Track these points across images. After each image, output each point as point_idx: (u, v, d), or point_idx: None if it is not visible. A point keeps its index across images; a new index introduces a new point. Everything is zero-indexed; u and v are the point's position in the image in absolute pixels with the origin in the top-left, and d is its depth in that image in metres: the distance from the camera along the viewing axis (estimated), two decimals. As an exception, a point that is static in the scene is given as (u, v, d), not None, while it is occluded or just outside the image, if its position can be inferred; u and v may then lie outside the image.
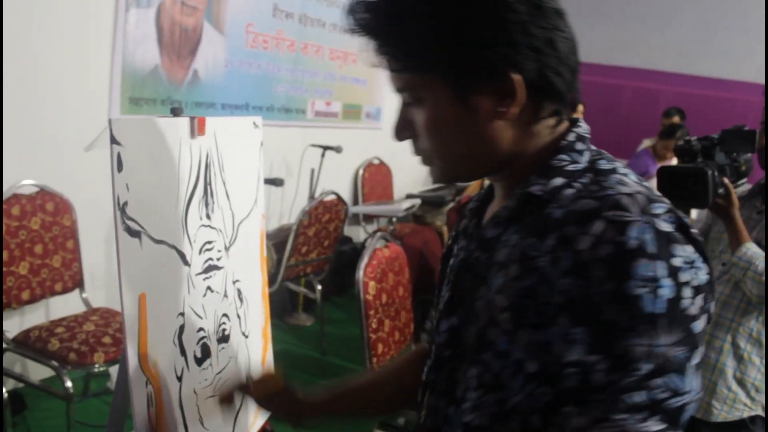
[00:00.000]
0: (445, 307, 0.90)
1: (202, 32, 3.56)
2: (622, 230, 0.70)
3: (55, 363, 2.44)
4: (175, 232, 1.16)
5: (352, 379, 1.22)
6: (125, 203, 1.01)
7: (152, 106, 3.32)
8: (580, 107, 5.76)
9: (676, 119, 5.78)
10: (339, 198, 3.71)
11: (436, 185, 6.32)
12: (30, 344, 2.49)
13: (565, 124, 0.86)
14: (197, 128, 1.20)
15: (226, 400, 1.21)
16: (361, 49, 0.83)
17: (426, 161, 0.88)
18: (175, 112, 1.18)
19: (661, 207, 0.74)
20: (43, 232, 2.69)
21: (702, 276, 0.72)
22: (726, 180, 1.83)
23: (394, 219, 4.85)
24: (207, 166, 1.26)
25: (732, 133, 1.85)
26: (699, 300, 0.71)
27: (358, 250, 4.67)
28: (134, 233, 1.04)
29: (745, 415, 1.93)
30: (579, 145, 0.84)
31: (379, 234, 2.70)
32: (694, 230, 0.75)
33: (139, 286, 1.06)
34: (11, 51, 2.65)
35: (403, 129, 0.87)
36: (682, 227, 0.74)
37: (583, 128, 0.87)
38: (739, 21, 6.81)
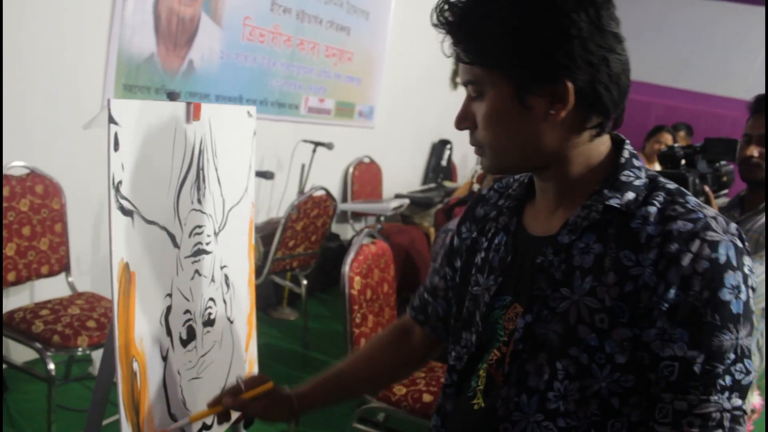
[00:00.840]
0: (526, 306, 0.99)
1: (199, 23, 3.58)
2: (715, 248, 0.87)
3: (38, 345, 2.44)
4: (166, 214, 1.18)
5: (334, 366, 1.26)
6: (120, 182, 1.03)
7: (146, 94, 3.33)
8: None
9: (682, 134, 5.84)
10: (328, 194, 3.73)
11: (425, 186, 6.36)
12: (14, 325, 2.49)
13: (607, 138, 0.98)
14: (193, 113, 1.23)
15: (215, 404, 1.17)
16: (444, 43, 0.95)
17: (479, 151, 0.99)
18: (172, 97, 1.21)
19: (733, 226, 0.91)
20: (31, 214, 2.70)
21: (755, 278, 0.91)
22: (707, 188, 1.88)
23: (382, 218, 4.87)
24: (200, 151, 1.28)
25: (714, 142, 1.92)
26: (753, 297, 0.89)
27: (345, 248, 4.68)
28: (127, 212, 1.06)
29: None
30: (635, 162, 0.97)
31: (366, 230, 2.73)
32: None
33: (129, 263, 1.08)
34: (6, 32, 2.65)
35: (464, 119, 0.98)
36: (743, 240, 0.91)
37: (629, 144, 1.00)
38: (731, 40, 6.90)
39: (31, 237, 2.70)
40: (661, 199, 0.92)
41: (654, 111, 7.03)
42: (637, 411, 0.91)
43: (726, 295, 0.86)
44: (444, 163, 6.63)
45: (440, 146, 6.63)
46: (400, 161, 6.12)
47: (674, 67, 7.15)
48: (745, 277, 0.88)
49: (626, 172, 0.96)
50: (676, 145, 1.96)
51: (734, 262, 0.87)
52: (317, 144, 4.36)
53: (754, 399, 2.49)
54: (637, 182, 0.95)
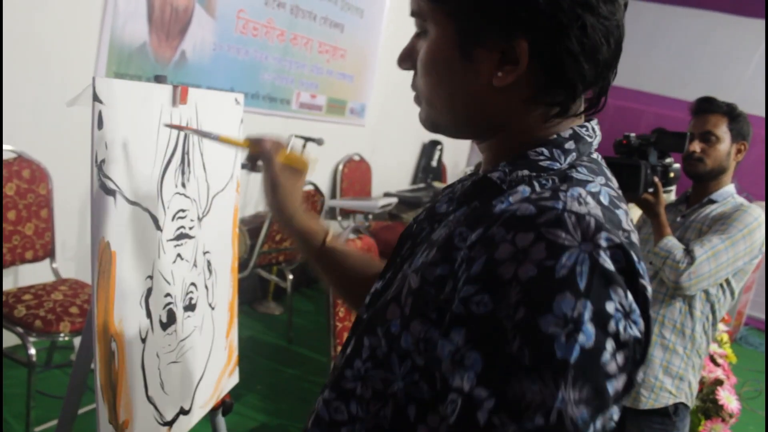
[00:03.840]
0: (383, 270, 0.85)
1: (192, 14, 3.57)
2: (556, 254, 0.59)
3: (20, 329, 2.43)
4: (149, 195, 1.18)
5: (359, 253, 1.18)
6: (103, 160, 1.04)
7: (137, 83, 3.32)
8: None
9: None
10: (316, 189, 3.74)
11: (415, 186, 6.37)
12: (-4, 309, 2.48)
13: (570, 122, 0.77)
14: (179, 97, 1.23)
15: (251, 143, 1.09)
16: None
17: (416, 99, 0.82)
18: (159, 80, 1.21)
19: (610, 240, 0.61)
20: (17, 199, 2.69)
21: (634, 331, 0.61)
22: (656, 179, 2.05)
23: (370, 216, 4.87)
24: (186, 135, 1.29)
25: (666, 134, 2.06)
26: (620, 357, 0.60)
27: (332, 244, 4.68)
28: (109, 191, 1.06)
29: (670, 402, 2.09)
30: (569, 144, 0.74)
31: (352, 225, 2.73)
32: (644, 280, 0.63)
33: (110, 243, 1.08)
34: (-1, 15, 2.64)
35: (406, 58, 0.82)
36: (631, 271, 0.62)
37: (588, 130, 0.77)
38: (723, 52, 6.96)
39: (16, 221, 2.69)
40: (547, 183, 0.70)
41: (644, 119, 7.07)
42: None
43: (549, 326, 0.57)
44: (434, 163, 6.65)
45: (431, 147, 6.64)
46: (390, 160, 6.12)
47: (665, 76, 7.20)
48: (601, 316, 0.58)
49: (541, 149, 0.74)
50: (632, 135, 2.07)
51: (581, 285, 0.58)
52: (307, 139, 4.36)
53: (732, 404, 2.51)
54: (545, 163, 0.73)
